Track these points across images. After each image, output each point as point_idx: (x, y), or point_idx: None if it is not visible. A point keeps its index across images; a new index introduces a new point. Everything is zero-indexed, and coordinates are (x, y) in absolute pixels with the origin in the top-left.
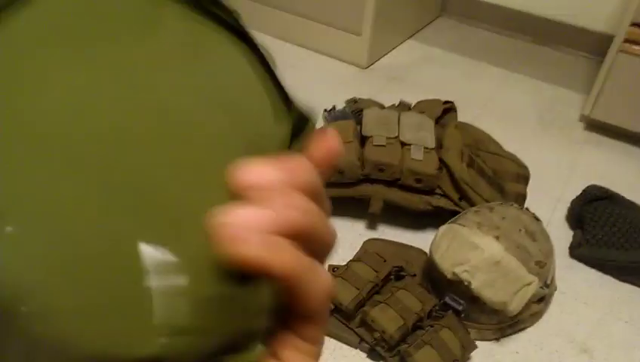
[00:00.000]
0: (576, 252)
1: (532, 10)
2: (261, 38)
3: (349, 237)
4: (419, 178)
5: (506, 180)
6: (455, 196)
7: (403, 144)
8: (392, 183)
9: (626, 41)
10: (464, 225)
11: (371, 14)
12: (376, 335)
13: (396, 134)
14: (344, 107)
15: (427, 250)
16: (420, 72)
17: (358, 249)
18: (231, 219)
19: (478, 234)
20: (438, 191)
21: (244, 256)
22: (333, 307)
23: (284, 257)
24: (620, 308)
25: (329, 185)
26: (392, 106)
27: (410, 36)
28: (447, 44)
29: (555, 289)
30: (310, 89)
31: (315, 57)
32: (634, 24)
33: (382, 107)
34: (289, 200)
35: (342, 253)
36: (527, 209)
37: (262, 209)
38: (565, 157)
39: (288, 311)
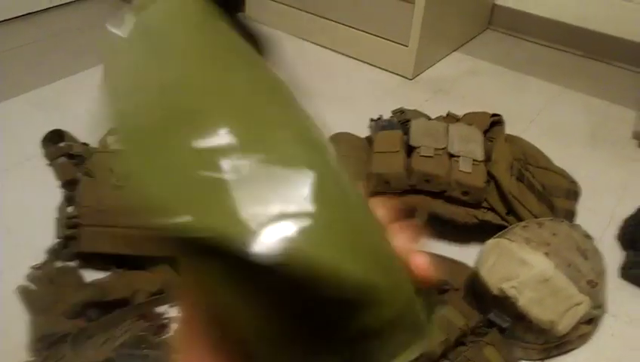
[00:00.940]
0: (629, 273)
1: (583, 24)
2: (312, 48)
3: None
4: (466, 190)
5: (556, 196)
6: (502, 210)
7: (451, 155)
8: (438, 195)
9: None
10: (512, 240)
11: (418, 26)
12: None
13: (444, 145)
14: (391, 117)
15: (471, 264)
16: (466, 84)
17: None
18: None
19: (526, 249)
20: (485, 204)
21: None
22: None
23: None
24: None
25: (375, 194)
26: (440, 118)
27: (457, 48)
28: (495, 57)
29: (606, 311)
30: (357, 98)
31: (363, 67)
32: None
33: (428, 118)
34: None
35: None
36: (578, 226)
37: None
38: (618, 175)
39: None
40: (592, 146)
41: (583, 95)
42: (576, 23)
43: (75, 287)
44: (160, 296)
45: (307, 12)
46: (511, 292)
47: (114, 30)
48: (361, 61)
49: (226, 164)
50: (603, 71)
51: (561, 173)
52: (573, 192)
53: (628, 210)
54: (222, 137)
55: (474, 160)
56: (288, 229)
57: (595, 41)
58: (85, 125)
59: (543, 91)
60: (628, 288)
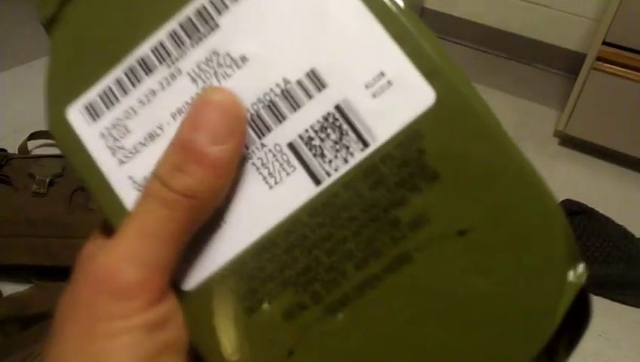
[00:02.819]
0: None
1: (507, 28)
2: None
3: None
4: None
5: None
6: None
7: None
8: None
9: (599, 59)
10: None
11: None
12: None
13: None
14: None
15: None
16: None
17: None
18: None
19: None
20: None
21: None
22: None
23: None
24: (594, 322)
25: None
26: None
27: None
28: None
29: None
30: None
31: None
32: (605, 43)
33: None
34: None
35: None
36: None
37: None
38: (540, 172)
39: None
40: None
41: (507, 95)
42: (499, 26)
43: None
44: None
45: None
46: None
47: None
48: None
49: None
50: (525, 72)
51: None
52: None
53: None
54: None
55: None
56: None
57: (518, 44)
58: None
59: None
60: None
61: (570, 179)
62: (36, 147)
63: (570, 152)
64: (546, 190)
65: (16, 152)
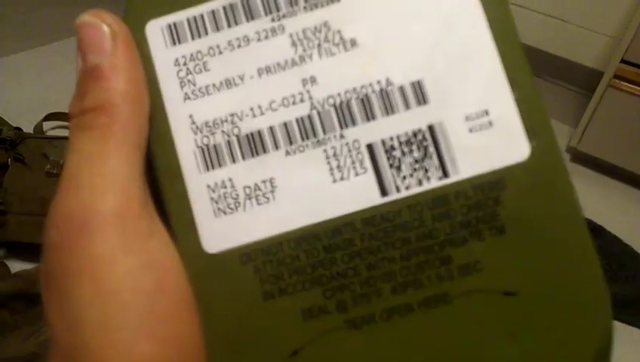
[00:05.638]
0: None
1: (523, 41)
2: None
3: None
4: None
5: None
6: None
7: None
8: None
9: (616, 77)
10: None
11: None
12: None
13: None
14: None
15: None
16: None
17: None
18: None
19: None
20: None
21: None
22: None
23: None
24: None
25: None
26: None
27: None
28: None
29: None
30: None
31: None
32: (624, 61)
33: None
34: None
35: None
36: None
37: None
38: None
39: None
40: None
41: None
42: None
43: (0, 278)
44: None
45: None
46: None
47: None
48: None
49: None
50: (539, 86)
51: None
52: None
53: None
54: None
55: None
56: None
57: (533, 58)
58: (18, 109)
59: None
60: None
61: (580, 195)
62: (51, 128)
63: (581, 169)
64: (603, 283)
65: (32, 132)
